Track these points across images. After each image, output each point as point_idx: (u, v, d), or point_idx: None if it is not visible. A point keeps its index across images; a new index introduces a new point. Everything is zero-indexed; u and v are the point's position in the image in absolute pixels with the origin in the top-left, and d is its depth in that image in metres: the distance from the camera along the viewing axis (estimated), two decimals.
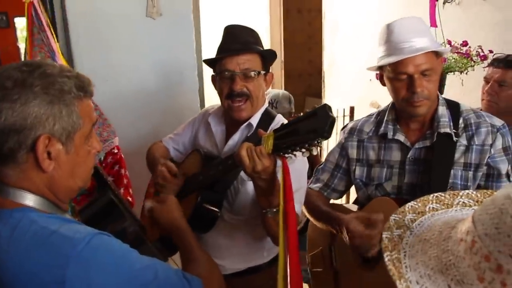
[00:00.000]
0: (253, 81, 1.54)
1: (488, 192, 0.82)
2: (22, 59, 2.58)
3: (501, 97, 2.04)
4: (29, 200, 0.94)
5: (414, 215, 0.80)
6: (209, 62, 1.64)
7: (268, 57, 1.61)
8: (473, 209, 0.79)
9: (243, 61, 1.52)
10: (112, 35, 2.41)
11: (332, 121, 1.06)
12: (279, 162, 1.20)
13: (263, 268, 1.68)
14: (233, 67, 1.52)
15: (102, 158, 2.23)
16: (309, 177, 1.66)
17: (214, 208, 1.56)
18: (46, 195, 0.96)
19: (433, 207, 0.81)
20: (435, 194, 0.84)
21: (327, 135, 1.06)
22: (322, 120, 1.07)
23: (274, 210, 1.28)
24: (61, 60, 2.10)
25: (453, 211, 0.80)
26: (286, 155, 1.17)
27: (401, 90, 1.46)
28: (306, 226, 2.03)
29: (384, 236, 0.77)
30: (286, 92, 2.74)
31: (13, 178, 0.94)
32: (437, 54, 1.46)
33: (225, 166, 1.43)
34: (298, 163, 1.24)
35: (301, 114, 1.15)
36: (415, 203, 0.83)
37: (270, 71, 1.65)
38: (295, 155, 1.15)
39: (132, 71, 2.52)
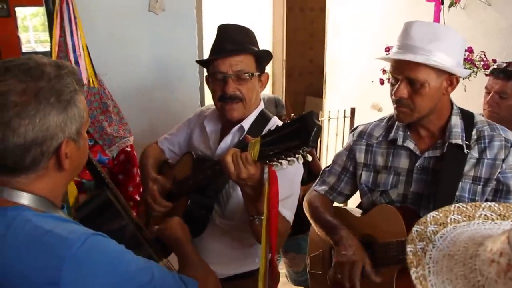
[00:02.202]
0: (247, 83, 1.49)
1: (511, 206, 0.80)
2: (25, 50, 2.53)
3: (502, 108, 2.05)
4: (24, 198, 0.92)
5: (436, 226, 0.77)
6: (202, 63, 1.60)
7: (263, 57, 1.56)
8: (495, 223, 0.77)
9: (236, 63, 1.47)
10: (114, 29, 2.38)
11: (317, 129, 1.01)
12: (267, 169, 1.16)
13: (254, 274, 1.61)
14: (225, 68, 1.47)
15: (115, 155, 2.20)
16: (303, 183, 1.62)
17: (204, 212, 1.54)
18: (44, 194, 0.94)
19: (455, 219, 0.78)
20: (457, 205, 0.82)
21: (312, 144, 1.02)
22: (308, 129, 1.02)
23: (262, 217, 1.22)
24: (83, 59, 2.10)
25: (476, 224, 0.77)
26: (273, 163, 1.12)
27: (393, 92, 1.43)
28: (298, 229, 1.98)
29: (408, 249, 0.74)
30: (272, 95, 2.65)
31: (20, 184, 0.92)
32: (440, 70, 1.38)
33: (213, 171, 1.40)
34: (291, 168, 1.18)
35: (288, 120, 1.09)
36: (436, 213, 0.81)
37: (266, 71, 1.60)
38: (281, 163, 1.10)
39: (133, 66, 2.49)
